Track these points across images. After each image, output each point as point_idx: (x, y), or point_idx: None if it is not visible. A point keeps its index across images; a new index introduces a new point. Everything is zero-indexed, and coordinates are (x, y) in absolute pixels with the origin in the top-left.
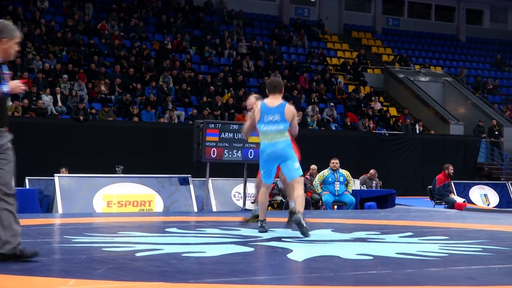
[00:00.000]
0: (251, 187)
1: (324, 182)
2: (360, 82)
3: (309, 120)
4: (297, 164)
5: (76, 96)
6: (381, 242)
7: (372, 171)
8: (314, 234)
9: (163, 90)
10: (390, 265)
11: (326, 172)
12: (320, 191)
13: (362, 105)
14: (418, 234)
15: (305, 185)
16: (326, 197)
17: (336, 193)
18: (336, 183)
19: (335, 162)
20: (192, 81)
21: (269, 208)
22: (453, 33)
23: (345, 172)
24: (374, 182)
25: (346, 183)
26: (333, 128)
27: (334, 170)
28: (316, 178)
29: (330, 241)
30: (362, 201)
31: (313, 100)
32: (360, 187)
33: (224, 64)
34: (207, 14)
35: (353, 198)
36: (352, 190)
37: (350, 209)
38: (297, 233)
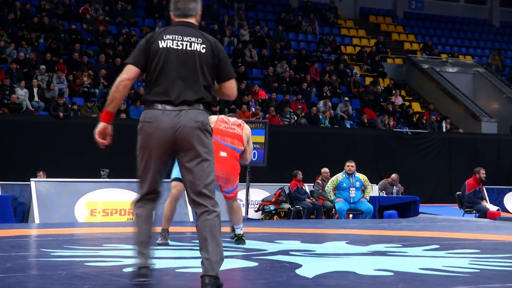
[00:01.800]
0: (255, 194)
1: (337, 188)
2: (379, 73)
3: (320, 116)
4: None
5: (55, 89)
6: (403, 256)
7: (393, 175)
8: (326, 247)
9: None
10: (413, 282)
11: (340, 176)
12: (333, 197)
13: (381, 99)
14: (445, 247)
15: (316, 191)
16: (340, 204)
17: (351, 200)
18: (351, 189)
19: (350, 165)
20: None
21: (275, 217)
22: (485, 17)
23: (362, 176)
24: (395, 188)
25: (363, 189)
26: (348, 126)
27: (350, 174)
28: (329, 183)
29: (345, 255)
30: (381, 209)
31: (325, 94)
32: (379, 193)
33: None
34: None
35: (370, 206)
36: (370, 197)
37: (368, 218)
38: (307, 246)
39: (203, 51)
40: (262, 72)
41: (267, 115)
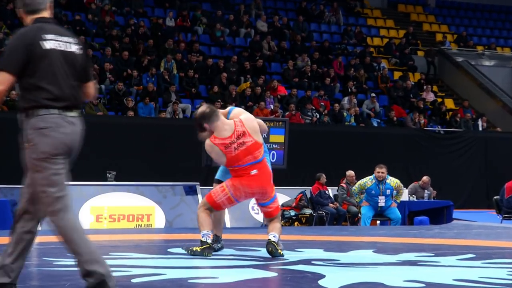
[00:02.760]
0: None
1: (367, 194)
2: (409, 67)
3: (345, 114)
4: None
5: None
6: (435, 266)
7: (425, 178)
8: (351, 256)
9: (165, 78)
10: None
11: (369, 182)
12: (359, 199)
13: (411, 95)
14: (482, 257)
15: (340, 195)
16: (365, 209)
17: (379, 208)
18: (380, 197)
19: (381, 171)
20: (201, 67)
21: (295, 223)
22: None
23: (394, 183)
24: (426, 191)
25: (393, 195)
26: (375, 124)
27: (380, 181)
28: (356, 185)
29: (372, 265)
30: (411, 215)
31: (350, 90)
32: (409, 197)
33: (239, 45)
34: None
35: (399, 215)
36: (400, 202)
37: (397, 225)
38: (331, 255)
39: (80, 52)
40: (281, 66)
41: (287, 113)
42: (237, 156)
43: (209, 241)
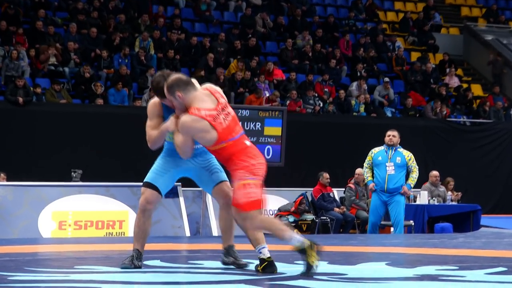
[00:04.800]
0: (269, 201)
1: (373, 165)
2: (429, 47)
3: (353, 102)
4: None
5: (14, 68)
6: (459, 281)
7: (433, 172)
8: (361, 269)
9: (140, 59)
10: None
11: (376, 149)
12: (367, 179)
13: (432, 80)
14: None
15: (347, 198)
16: (373, 199)
17: (386, 186)
18: (388, 164)
19: (392, 134)
20: (183, 46)
21: (295, 231)
22: None
23: (406, 153)
24: (449, 194)
25: (408, 171)
26: (389, 114)
27: (390, 146)
28: (365, 161)
29: (385, 280)
30: (431, 221)
31: (359, 74)
32: (429, 200)
33: (229, 21)
34: None
35: (401, 215)
36: (417, 206)
37: (397, 232)
38: (337, 268)
39: None
40: (278, 45)
41: (289, 102)
42: (228, 127)
43: (267, 256)
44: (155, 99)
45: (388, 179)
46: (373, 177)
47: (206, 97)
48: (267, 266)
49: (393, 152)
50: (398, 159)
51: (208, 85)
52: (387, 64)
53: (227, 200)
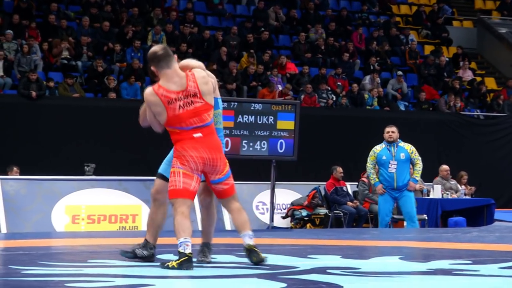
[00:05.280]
0: (282, 195)
1: (378, 164)
2: (442, 40)
3: (366, 96)
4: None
5: (26, 62)
6: (473, 276)
7: (443, 166)
8: (374, 263)
9: None
10: None
11: (378, 147)
12: (374, 181)
13: (445, 74)
14: None
15: (360, 192)
16: (382, 200)
17: (395, 183)
18: (391, 162)
19: (390, 131)
20: (195, 40)
21: (308, 225)
22: None
23: (408, 147)
24: (462, 188)
25: (411, 165)
26: (402, 108)
27: (390, 143)
28: (368, 160)
29: (398, 274)
30: (444, 215)
31: (372, 67)
32: (442, 194)
33: (241, 14)
34: None
35: (413, 208)
36: (431, 200)
37: (410, 227)
38: (350, 263)
39: None
40: (291, 39)
41: (303, 96)
42: (179, 116)
43: (188, 251)
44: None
45: (397, 176)
46: (377, 176)
47: (175, 78)
48: (183, 262)
49: (396, 148)
50: (402, 155)
51: (196, 69)
52: (400, 57)
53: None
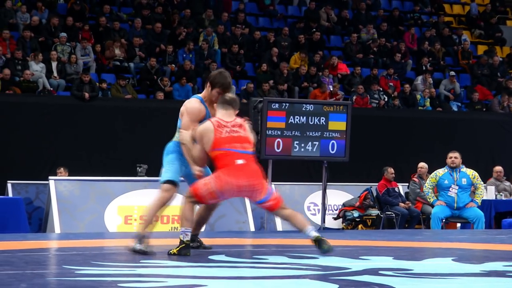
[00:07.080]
0: (334, 196)
1: (438, 187)
2: (496, 40)
3: (418, 97)
4: (164, 169)
5: (79, 63)
6: None
7: (496, 167)
8: (426, 265)
9: (204, 54)
10: None
11: (440, 171)
12: (432, 199)
13: (499, 74)
14: None
15: (412, 191)
16: (437, 209)
17: (456, 205)
18: (453, 187)
19: (453, 156)
20: (247, 41)
21: (360, 226)
22: None
23: (470, 172)
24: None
25: (473, 190)
26: (455, 108)
27: (453, 168)
28: (427, 180)
29: (451, 276)
30: (499, 216)
31: (424, 68)
32: (496, 195)
33: (293, 15)
34: None
35: (480, 213)
36: (484, 201)
37: (479, 228)
38: (402, 264)
39: None
40: (342, 39)
41: (355, 97)
42: (225, 139)
43: (187, 239)
44: (200, 105)
45: (458, 199)
46: (436, 196)
47: (227, 112)
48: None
49: (458, 174)
50: (464, 181)
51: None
52: (453, 57)
53: None
